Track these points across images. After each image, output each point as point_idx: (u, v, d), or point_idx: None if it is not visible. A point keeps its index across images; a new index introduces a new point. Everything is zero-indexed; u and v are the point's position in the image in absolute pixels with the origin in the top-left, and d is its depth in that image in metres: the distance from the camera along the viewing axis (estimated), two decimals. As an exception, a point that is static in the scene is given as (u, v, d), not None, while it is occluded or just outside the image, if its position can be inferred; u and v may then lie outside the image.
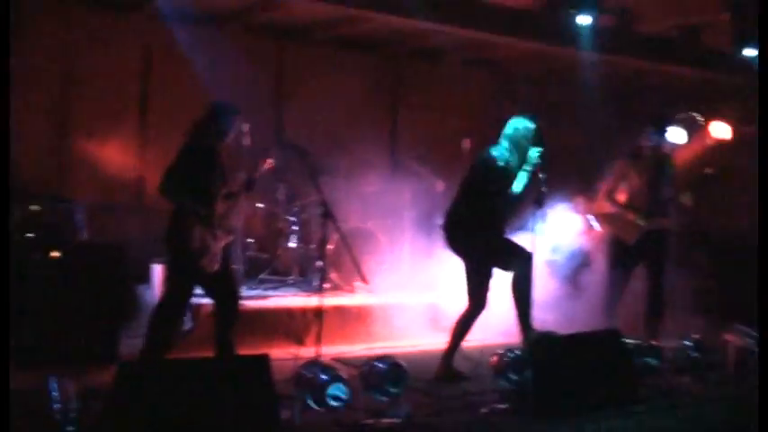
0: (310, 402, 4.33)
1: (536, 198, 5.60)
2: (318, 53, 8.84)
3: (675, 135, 9.49)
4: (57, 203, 6.87)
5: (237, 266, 7.55)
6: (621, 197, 6.86)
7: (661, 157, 6.95)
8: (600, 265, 7.43)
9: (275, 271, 7.90)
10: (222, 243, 5.16)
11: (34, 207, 6.65)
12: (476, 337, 6.02)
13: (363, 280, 5.07)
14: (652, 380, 5.72)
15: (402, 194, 8.33)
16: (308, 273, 7.81)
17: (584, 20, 7.16)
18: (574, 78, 8.55)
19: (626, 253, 6.78)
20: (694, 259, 8.86)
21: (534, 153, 5.58)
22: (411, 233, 8.19)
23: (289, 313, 6.70)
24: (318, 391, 4.33)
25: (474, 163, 5.75)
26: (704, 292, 8.47)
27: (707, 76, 8.97)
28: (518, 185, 5.56)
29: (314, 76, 8.53)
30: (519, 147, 5.65)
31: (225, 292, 5.27)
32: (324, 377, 4.37)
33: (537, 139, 5.62)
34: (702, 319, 7.48)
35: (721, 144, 9.45)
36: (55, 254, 5.53)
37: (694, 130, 9.55)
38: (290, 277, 7.82)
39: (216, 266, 5.10)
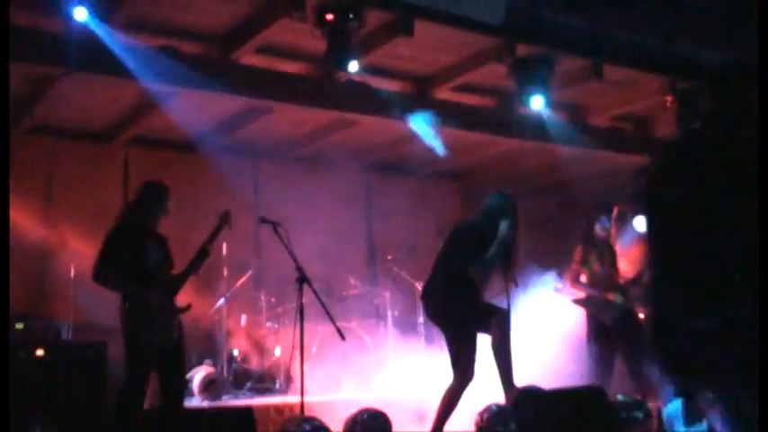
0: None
1: (509, 274, 5.77)
2: (293, 168, 9.26)
3: (641, 224, 9.86)
4: (41, 321, 7.04)
5: (224, 377, 7.65)
6: (585, 280, 7.09)
7: (607, 241, 7.24)
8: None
9: (261, 380, 7.93)
10: (175, 319, 5.12)
11: (19, 325, 6.80)
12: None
13: (341, 336, 5.15)
14: (640, 435, 5.74)
15: (382, 296, 8.51)
16: (294, 378, 7.84)
17: (537, 113, 7.56)
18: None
19: (606, 333, 6.91)
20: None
21: (504, 225, 5.79)
22: (393, 332, 8.29)
23: (276, 409, 6.69)
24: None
25: (450, 232, 5.95)
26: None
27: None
28: (490, 253, 5.72)
29: (290, 190, 8.92)
30: (492, 219, 5.86)
31: (177, 364, 5.14)
32: (306, 428, 4.40)
33: (510, 212, 5.86)
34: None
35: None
36: (40, 352, 5.61)
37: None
38: (277, 384, 7.84)
39: (170, 341, 5.04)
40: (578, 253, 7.03)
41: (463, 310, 5.73)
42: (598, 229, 7.08)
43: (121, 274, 5.01)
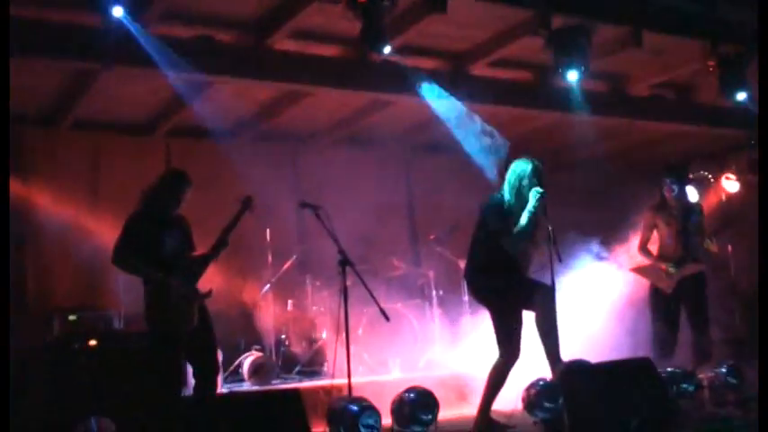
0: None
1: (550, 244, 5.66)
2: (332, 152, 9.29)
3: (692, 193, 9.71)
4: (93, 313, 7.23)
5: (272, 361, 7.75)
6: (653, 247, 6.99)
7: (686, 204, 7.10)
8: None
9: (310, 363, 8.01)
10: (195, 305, 5.13)
11: (72, 317, 6.98)
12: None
13: (385, 317, 5.17)
14: (691, 407, 5.68)
15: (426, 276, 8.52)
16: (341, 361, 7.89)
17: (575, 85, 7.44)
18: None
19: (666, 303, 6.82)
20: (724, 309, 8.85)
21: (535, 194, 5.71)
22: (439, 311, 8.30)
23: (324, 391, 6.75)
24: (351, 422, 4.40)
25: (479, 208, 5.89)
26: (734, 342, 8.40)
27: (705, 131, 9.24)
28: (521, 224, 5.59)
29: (329, 174, 8.97)
30: (519, 188, 5.75)
31: (203, 348, 5.17)
32: (354, 408, 4.44)
33: (537, 179, 5.77)
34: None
35: (732, 197, 9.62)
36: (92, 342, 5.74)
37: (705, 187, 9.77)
38: (325, 367, 7.91)
39: (190, 327, 5.06)
40: (644, 219, 6.96)
41: (505, 288, 5.68)
42: (665, 191, 6.97)
43: (140, 259, 5.05)
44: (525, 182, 5.69)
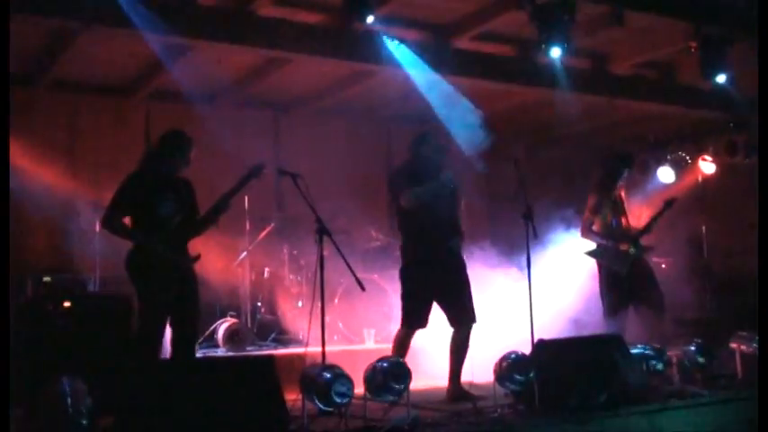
0: (316, 401, 4.42)
1: (525, 213, 5.68)
2: (313, 121, 9.26)
3: (664, 174, 9.80)
4: (67, 275, 7.19)
5: (248, 328, 7.76)
6: (596, 230, 7.02)
7: (620, 192, 7.16)
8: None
9: (285, 331, 8.03)
10: (180, 270, 5.07)
11: (46, 278, 6.95)
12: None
13: (361, 287, 5.18)
14: (660, 383, 5.76)
15: (403, 247, 8.53)
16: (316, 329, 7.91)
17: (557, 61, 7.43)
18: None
19: (620, 280, 6.83)
20: (695, 291, 8.95)
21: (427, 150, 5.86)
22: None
23: (299, 358, 6.77)
24: (324, 390, 4.43)
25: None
26: (705, 323, 8.51)
27: (684, 112, 9.30)
28: (424, 194, 5.74)
29: (310, 143, 8.94)
30: (414, 153, 5.93)
31: (186, 314, 5.10)
32: (327, 376, 4.47)
33: (436, 149, 5.90)
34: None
35: (710, 179, 9.71)
36: (67, 304, 5.71)
37: (682, 168, 9.86)
38: (300, 335, 7.94)
39: (174, 291, 4.99)
40: (592, 202, 6.96)
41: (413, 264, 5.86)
42: (618, 177, 7.00)
43: (131, 222, 5.00)
44: (422, 147, 5.90)
